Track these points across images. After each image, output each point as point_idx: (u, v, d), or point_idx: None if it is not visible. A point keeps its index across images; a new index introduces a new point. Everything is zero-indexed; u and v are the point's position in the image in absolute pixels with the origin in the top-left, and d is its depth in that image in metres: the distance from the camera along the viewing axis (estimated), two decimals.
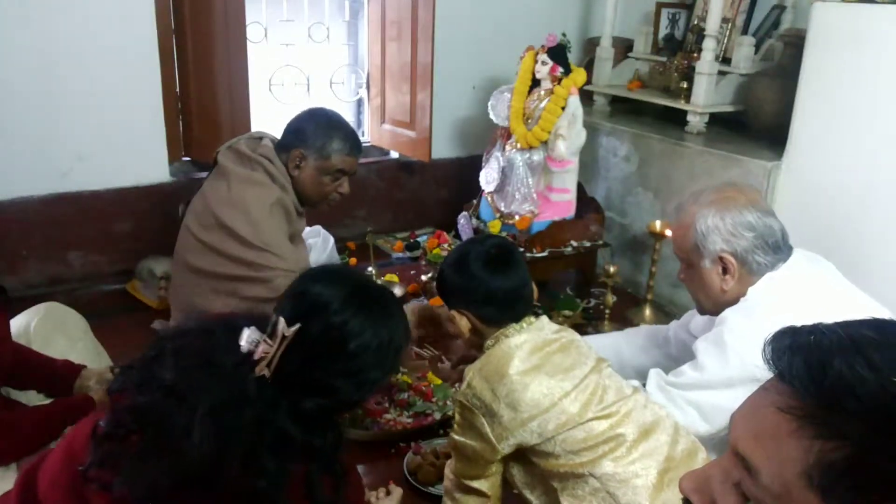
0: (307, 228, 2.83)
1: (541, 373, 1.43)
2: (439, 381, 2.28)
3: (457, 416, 1.51)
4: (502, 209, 2.94)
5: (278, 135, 2.36)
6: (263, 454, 1.05)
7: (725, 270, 1.60)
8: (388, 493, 1.60)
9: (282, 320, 1.09)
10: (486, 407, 1.43)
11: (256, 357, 1.07)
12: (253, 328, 1.09)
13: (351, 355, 1.13)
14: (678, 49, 3.25)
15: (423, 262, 2.91)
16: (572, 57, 2.95)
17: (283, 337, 1.08)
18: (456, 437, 1.51)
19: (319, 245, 2.81)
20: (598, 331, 2.70)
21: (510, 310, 1.50)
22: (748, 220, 1.56)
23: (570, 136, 2.78)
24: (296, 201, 2.29)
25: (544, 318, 1.55)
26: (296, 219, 2.32)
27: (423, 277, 2.93)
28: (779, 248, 1.58)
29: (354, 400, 1.20)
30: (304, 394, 1.11)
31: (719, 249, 1.58)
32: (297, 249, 2.31)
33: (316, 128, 2.25)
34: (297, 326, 1.09)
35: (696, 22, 3.21)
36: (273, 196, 2.21)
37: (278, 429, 1.08)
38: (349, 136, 2.29)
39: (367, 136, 3.69)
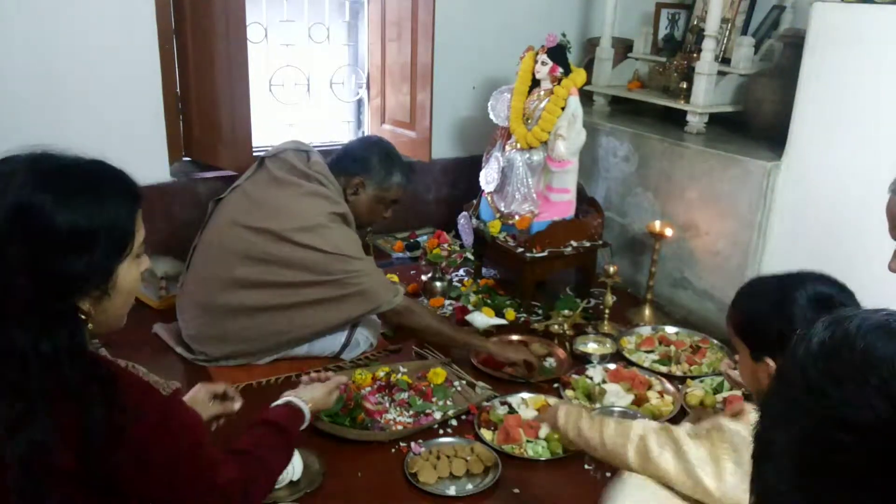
0: None
1: None
2: (439, 381, 2.28)
3: (713, 430, 1.39)
4: (502, 209, 2.94)
5: (301, 140, 2.52)
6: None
7: None
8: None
9: None
10: (741, 456, 1.26)
11: None
12: None
13: (44, 233, 1.03)
14: (678, 49, 3.25)
15: (423, 262, 2.91)
16: (572, 57, 2.95)
17: None
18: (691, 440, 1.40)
19: None
20: (597, 331, 2.70)
21: None
22: None
23: (569, 136, 2.79)
24: (350, 217, 2.38)
25: None
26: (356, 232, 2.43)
27: (423, 277, 2.93)
28: None
29: (82, 277, 1.07)
30: (25, 293, 1.02)
31: None
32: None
33: (380, 161, 2.42)
34: None
35: (695, 22, 3.21)
36: (339, 208, 2.33)
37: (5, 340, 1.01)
38: (406, 171, 2.50)
39: None
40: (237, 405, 1.64)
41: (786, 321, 1.25)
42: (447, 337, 2.40)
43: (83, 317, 1.09)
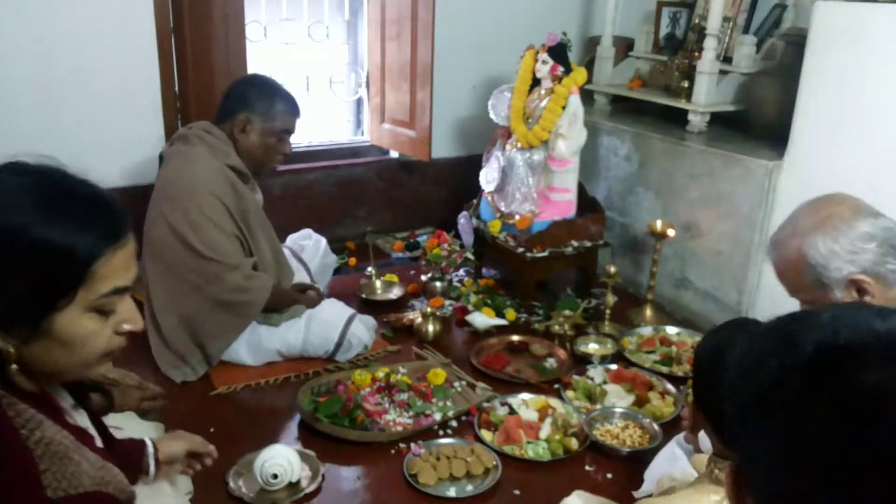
0: (296, 234, 2.86)
1: None
2: (439, 382, 2.27)
3: None
4: (502, 209, 2.93)
5: None
6: None
7: (862, 292, 1.38)
8: None
9: None
10: None
11: None
12: None
13: None
14: (679, 48, 3.23)
15: (423, 262, 2.90)
16: (573, 56, 2.94)
17: None
18: None
19: (311, 247, 2.82)
20: (598, 331, 2.69)
21: None
22: (863, 230, 1.38)
23: (570, 135, 2.77)
24: (241, 166, 2.34)
25: None
26: (243, 190, 2.34)
27: (423, 277, 2.92)
28: None
29: None
30: None
31: (847, 274, 1.37)
32: (251, 228, 2.34)
33: (259, 92, 2.36)
34: None
35: (697, 21, 3.20)
36: (215, 172, 2.26)
37: None
38: (289, 98, 2.41)
39: (366, 136, 3.68)
40: (208, 461, 1.57)
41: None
42: (282, 305, 2.39)
43: (6, 354, 0.93)
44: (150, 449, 1.43)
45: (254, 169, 2.40)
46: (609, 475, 1.94)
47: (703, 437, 1.50)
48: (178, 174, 2.27)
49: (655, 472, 1.78)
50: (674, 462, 1.70)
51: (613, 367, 2.42)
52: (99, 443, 1.14)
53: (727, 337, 1.23)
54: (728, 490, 0.67)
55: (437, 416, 2.12)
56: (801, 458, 0.58)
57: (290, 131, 2.41)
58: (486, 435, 2.06)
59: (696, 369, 1.28)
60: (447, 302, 2.81)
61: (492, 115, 2.99)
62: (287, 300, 2.41)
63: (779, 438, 0.60)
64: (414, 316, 2.68)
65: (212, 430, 2.06)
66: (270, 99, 2.35)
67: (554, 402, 2.21)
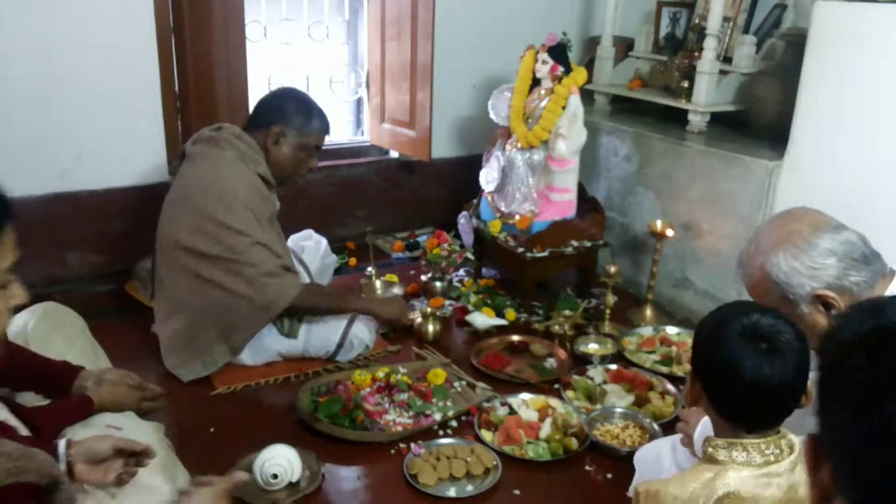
0: (297, 234, 2.86)
1: None
2: (439, 382, 2.27)
3: None
4: (502, 209, 2.93)
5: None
6: None
7: (828, 306, 1.39)
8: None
9: None
10: None
11: None
12: None
13: None
14: (679, 48, 3.23)
15: (423, 262, 2.90)
16: (573, 56, 2.94)
17: None
18: None
19: (312, 247, 2.82)
20: (598, 331, 2.69)
21: (747, 413, 1.20)
22: (823, 246, 1.38)
23: (570, 135, 2.77)
24: (269, 175, 2.37)
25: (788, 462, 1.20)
26: (270, 196, 2.39)
27: (423, 277, 2.92)
28: (868, 259, 1.39)
29: None
30: None
31: (811, 290, 1.38)
32: (269, 232, 2.36)
33: (296, 107, 2.40)
34: None
35: (697, 21, 3.20)
36: (244, 180, 2.29)
37: None
38: (324, 116, 2.47)
39: (366, 136, 3.68)
40: (147, 461, 1.43)
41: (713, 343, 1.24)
42: (335, 309, 2.41)
43: None
44: (61, 450, 1.30)
45: (280, 179, 2.43)
46: (609, 475, 1.94)
47: (698, 441, 1.51)
48: (208, 175, 2.28)
49: (645, 456, 1.79)
50: (662, 468, 1.69)
51: (613, 367, 2.42)
52: (25, 431, 1.11)
53: (727, 314, 1.25)
54: (806, 460, 0.69)
55: (437, 416, 2.12)
56: (869, 422, 0.59)
57: (320, 148, 2.47)
58: (486, 435, 2.06)
59: (696, 344, 1.30)
60: (447, 302, 2.81)
61: (492, 115, 2.99)
62: (349, 306, 2.43)
63: (849, 401, 0.62)
64: (414, 316, 2.68)
65: (212, 430, 2.06)
66: (307, 115, 2.40)
67: (554, 402, 2.21)
